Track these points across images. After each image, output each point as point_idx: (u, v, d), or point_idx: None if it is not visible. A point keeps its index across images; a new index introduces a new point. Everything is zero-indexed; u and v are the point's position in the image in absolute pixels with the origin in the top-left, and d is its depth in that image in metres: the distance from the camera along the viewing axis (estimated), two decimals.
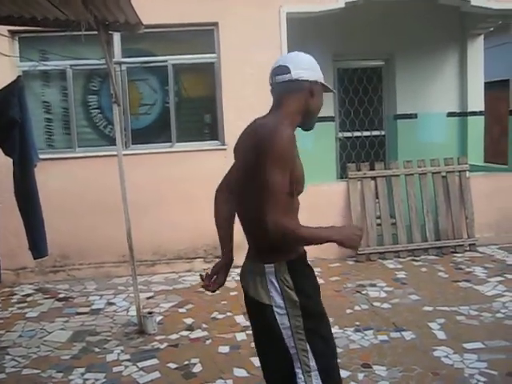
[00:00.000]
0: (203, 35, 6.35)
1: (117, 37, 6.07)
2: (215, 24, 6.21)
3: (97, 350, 4.25)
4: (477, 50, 8.04)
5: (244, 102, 6.13)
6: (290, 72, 2.16)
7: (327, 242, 2.05)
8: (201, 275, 2.37)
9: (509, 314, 4.56)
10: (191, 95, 6.58)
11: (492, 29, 8.01)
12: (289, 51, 6.18)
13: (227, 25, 6.18)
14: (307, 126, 2.30)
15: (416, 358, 3.85)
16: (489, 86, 8.51)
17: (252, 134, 2.17)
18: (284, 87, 2.19)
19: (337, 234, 2.07)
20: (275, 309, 2.09)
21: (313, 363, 2.09)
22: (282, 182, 1.98)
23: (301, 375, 2.09)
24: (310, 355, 2.09)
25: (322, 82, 2.23)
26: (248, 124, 2.33)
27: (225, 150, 6.17)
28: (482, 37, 8.06)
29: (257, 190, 2.00)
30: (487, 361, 3.75)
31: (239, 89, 6.19)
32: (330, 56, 7.55)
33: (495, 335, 4.17)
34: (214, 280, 2.36)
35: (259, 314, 2.15)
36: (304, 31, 6.89)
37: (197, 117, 6.60)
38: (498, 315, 4.60)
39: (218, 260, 2.49)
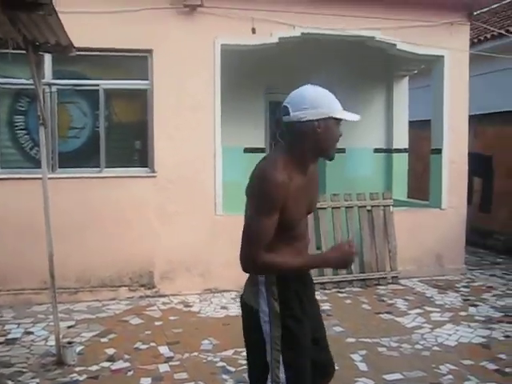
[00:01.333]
0: (137, 61, 6.33)
1: (48, 57, 5.93)
2: (149, 51, 6.20)
3: (10, 383, 4.03)
4: (402, 90, 8.43)
5: (176, 130, 6.14)
6: (289, 114, 2.20)
7: (310, 268, 2.35)
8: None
9: (427, 346, 4.71)
10: (122, 120, 6.51)
11: (416, 71, 8.41)
12: (222, 81, 6.28)
13: (162, 52, 6.18)
14: (327, 158, 2.33)
15: None
16: (413, 125, 8.89)
17: (250, 177, 2.24)
18: (287, 127, 2.23)
19: (323, 263, 2.45)
20: (261, 314, 2.27)
21: (282, 375, 2.22)
22: (258, 224, 2.15)
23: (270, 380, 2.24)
24: (281, 367, 2.22)
25: (333, 116, 2.21)
26: None
27: (154, 177, 6.13)
28: (407, 78, 8.45)
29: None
30: None
31: (171, 116, 6.18)
32: (263, 88, 7.69)
33: (414, 366, 4.30)
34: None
35: (249, 316, 2.34)
36: (239, 62, 6.98)
37: (127, 143, 6.53)
38: (417, 346, 4.74)
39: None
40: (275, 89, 7.81)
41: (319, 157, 2.32)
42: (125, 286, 6.18)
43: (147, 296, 6.11)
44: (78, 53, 4.55)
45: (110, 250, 6.08)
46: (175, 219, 6.20)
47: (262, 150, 7.88)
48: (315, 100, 2.20)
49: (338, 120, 2.25)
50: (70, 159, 6.27)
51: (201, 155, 6.28)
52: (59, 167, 6.20)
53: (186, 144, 6.20)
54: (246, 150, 7.73)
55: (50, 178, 4.60)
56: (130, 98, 6.52)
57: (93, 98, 6.28)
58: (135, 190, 6.12)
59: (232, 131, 6.97)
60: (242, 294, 2.44)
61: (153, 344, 4.76)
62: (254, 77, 7.47)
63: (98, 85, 6.24)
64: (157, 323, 5.30)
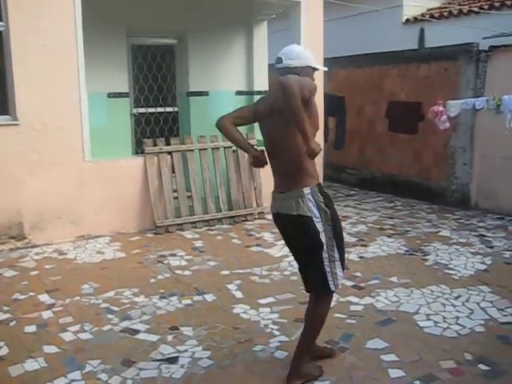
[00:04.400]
0: None
1: None
2: None
3: None
4: (261, 34, 8.68)
5: (37, 76, 5.90)
6: (281, 62, 3.16)
7: (303, 132, 2.87)
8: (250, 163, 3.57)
9: (294, 271, 5.15)
10: None
11: (274, 16, 8.69)
12: (84, 25, 6.10)
13: None
14: None
15: (218, 316, 4.24)
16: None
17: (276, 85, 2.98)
18: (283, 72, 3.11)
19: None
20: (314, 218, 3.06)
21: (336, 255, 3.15)
22: (305, 84, 2.91)
23: (327, 262, 3.12)
24: (335, 249, 3.14)
25: (310, 65, 3.18)
26: None
27: (17, 125, 5.89)
28: (266, 22, 8.72)
29: (288, 119, 2.90)
30: (278, 312, 4.31)
31: (31, 61, 5.88)
32: (124, 32, 7.55)
33: (284, 290, 4.77)
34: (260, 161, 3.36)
35: (301, 225, 3.07)
36: (99, 6, 6.78)
37: None
38: (286, 273, 5.24)
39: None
40: (137, 32, 7.72)
41: None
42: None
43: (18, 248, 5.97)
44: None
45: None
46: (42, 168, 6.05)
47: (126, 95, 7.81)
48: (299, 54, 3.19)
49: (314, 69, 3.22)
50: None
51: (65, 101, 6.10)
52: None
53: (50, 90, 5.99)
54: (110, 95, 7.61)
55: None
56: None
57: None
58: None
59: (94, 76, 6.82)
60: (278, 210, 3.22)
61: (32, 293, 4.76)
62: (114, 20, 7.29)
63: None
64: (32, 273, 5.27)
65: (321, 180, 7.75)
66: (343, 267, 3.24)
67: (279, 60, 3.17)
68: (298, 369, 3.27)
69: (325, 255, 3.11)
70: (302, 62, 3.16)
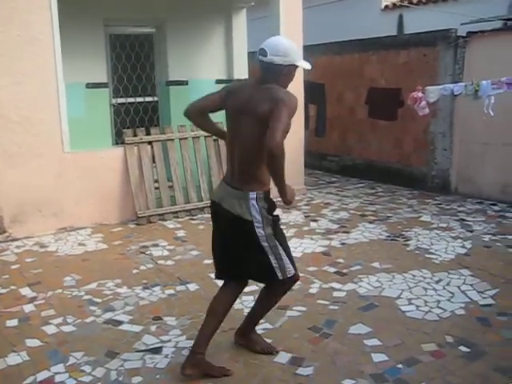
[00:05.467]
0: None
1: None
2: None
3: None
4: (241, 22, 8.63)
5: (13, 66, 5.80)
6: (266, 55, 3.02)
7: (281, 185, 2.96)
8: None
9: None
10: None
11: (253, 3, 8.64)
12: (60, 15, 6.01)
13: None
14: None
15: (201, 305, 4.21)
16: (253, 55, 9.20)
17: (267, 91, 2.99)
18: (265, 66, 3.05)
19: (287, 187, 3.03)
20: (255, 223, 3.06)
21: (282, 251, 3.17)
22: (287, 124, 2.87)
23: (274, 260, 3.14)
24: (280, 247, 3.16)
25: (295, 63, 3.08)
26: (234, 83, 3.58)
27: None
28: (245, 10, 8.66)
29: (262, 125, 2.87)
30: None
31: (6, 50, 5.79)
32: (102, 21, 7.46)
33: None
34: None
35: (241, 226, 3.09)
36: None
37: None
38: None
39: None
40: (115, 21, 7.63)
41: None
42: None
43: None
44: None
45: None
46: (20, 160, 5.97)
47: (104, 85, 7.73)
48: (286, 50, 3.04)
49: (297, 66, 3.12)
50: None
51: (43, 92, 6.02)
52: None
53: (27, 81, 5.90)
54: (89, 86, 7.52)
55: None
56: None
57: None
58: None
59: (72, 66, 6.74)
60: (220, 201, 3.17)
61: (13, 287, 4.72)
62: (91, 9, 7.20)
63: None
64: (13, 267, 5.22)
65: (301, 168, 7.92)
66: (292, 262, 3.26)
67: (263, 52, 3.04)
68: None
69: (270, 254, 3.14)
70: (287, 59, 3.04)
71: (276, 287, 3.34)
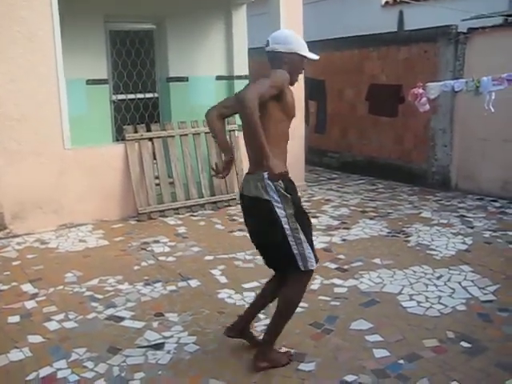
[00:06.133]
0: None
1: None
2: None
3: None
4: (241, 18, 8.61)
5: (12, 63, 5.80)
6: (269, 45, 3.13)
7: (258, 144, 2.82)
8: (212, 168, 3.39)
9: None
10: None
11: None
12: (60, 11, 6.00)
13: None
14: (290, 83, 3.11)
15: (203, 301, 4.26)
16: (253, 52, 9.16)
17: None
18: (270, 56, 3.15)
19: (266, 158, 2.82)
20: (274, 203, 3.03)
21: (302, 236, 3.10)
22: (266, 86, 2.87)
23: (294, 245, 3.08)
24: (300, 231, 3.09)
25: (298, 52, 3.11)
26: None
27: None
28: (245, 6, 8.64)
29: (263, 108, 2.87)
30: None
31: (6, 48, 5.79)
32: (102, 17, 7.45)
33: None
34: (224, 171, 3.35)
35: (260, 208, 3.07)
36: None
37: None
38: None
39: None
40: (115, 17, 7.62)
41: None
42: None
43: None
44: None
45: None
46: (21, 157, 5.97)
47: (105, 82, 7.72)
48: (286, 38, 3.13)
49: (303, 56, 3.15)
50: None
51: (43, 89, 6.01)
52: None
53: (27, 78, 5.89)
54: (89, 82, 7.52)
55: None
56: None
57: None
58: None
59: (72, 62, 6.74)
60: (242, 191, 3.23)
61: (14, 283, 4.72)
62: (92, 5, 7.19)
63: None
64: (14, 263, 5.23)
65: (302, 164, 7.92)
66: (313, 248, 3.18)
67: (267, 43, 3.16)
68: (265, 353, 3.27)
69: (290, 238, 3.07)
70: (288, 47, 3.11)
71: (294, 282, 3.22)
